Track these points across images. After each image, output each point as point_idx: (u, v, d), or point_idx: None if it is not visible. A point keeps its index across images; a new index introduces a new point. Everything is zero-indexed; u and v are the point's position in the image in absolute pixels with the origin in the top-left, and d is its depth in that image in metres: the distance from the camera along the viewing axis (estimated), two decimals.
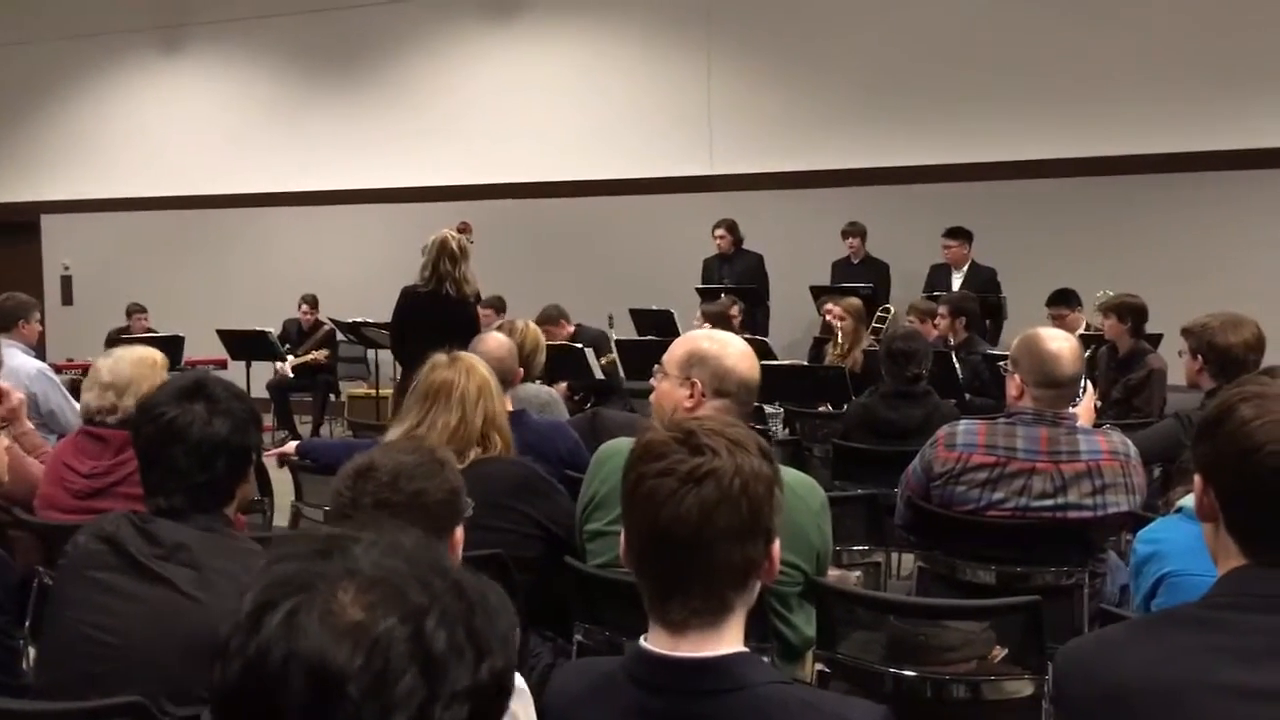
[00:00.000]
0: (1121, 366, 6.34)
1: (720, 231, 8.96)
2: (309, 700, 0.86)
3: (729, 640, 1.42)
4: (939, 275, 8.53)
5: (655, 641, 1.43)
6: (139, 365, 3.23)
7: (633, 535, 1.46)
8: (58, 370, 6.47)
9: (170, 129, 11.56)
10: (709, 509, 1.39)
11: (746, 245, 9.06)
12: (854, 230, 8.85)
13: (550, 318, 7.47)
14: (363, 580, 0.90)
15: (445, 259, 5.58)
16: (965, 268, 8.46)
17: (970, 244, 8.47)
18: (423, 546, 0.96)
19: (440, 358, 3.02)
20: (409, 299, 5.73)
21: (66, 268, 12.29)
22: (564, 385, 6.97)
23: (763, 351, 5.87)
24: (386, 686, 0.86)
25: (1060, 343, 3.17)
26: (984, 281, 8.29)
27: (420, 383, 3.00)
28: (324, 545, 0.93)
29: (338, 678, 0.85)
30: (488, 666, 0.90)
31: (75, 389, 6.45)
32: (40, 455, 3.56)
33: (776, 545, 1.47)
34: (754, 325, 8.32)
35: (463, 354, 3.06)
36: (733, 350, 2.59)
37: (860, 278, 8.61)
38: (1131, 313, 6.27)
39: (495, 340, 3.76)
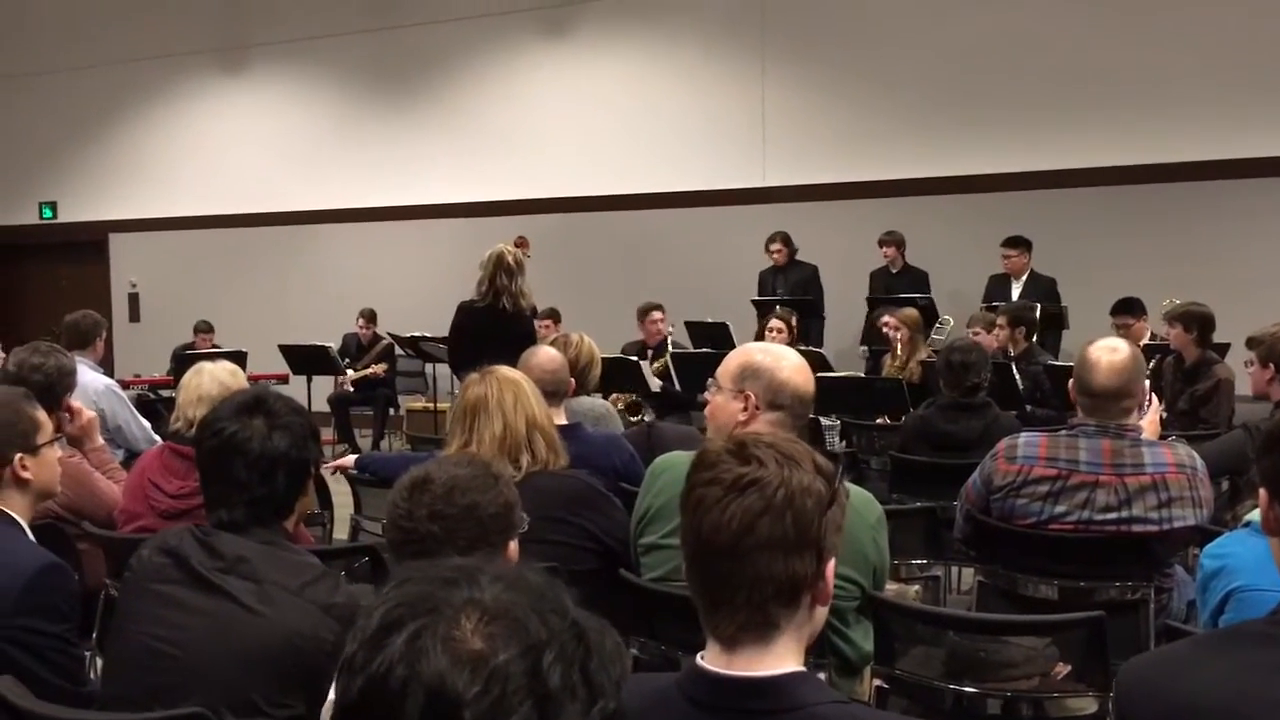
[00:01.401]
0: (1188, 377, 6.20)
1: (776, 245, 8.95)
2: None
3: (784, 660, 1.40)
4: (998, 285, 8.42)
5: (711, 659, 1.42)
6: (226, 382, 3.34)
7: (685, 545, 1.45)
8: (125, 386, 6.62)
9: (231, 148, 11.79)
10: (750, 518, 1.37)
11: (801, 257, 9.04)
12: (891, 239, 8.78)
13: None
14: (486, 610, 0.93)
15: (501, 273, 5.62)
16: (1024, 277, 8.35)
17: (1030, 253, 8.36)
18: (545, 584, 0.99)
19: (471, 376, 3.06)
20: (466, 314, 5.77)
21: (134, 285, 12.57)
22: (623, 397, 7.02)
23: (818, 363, 5.85)
24: (501, 717, 0.89)
25: (1103, 352, 3.09)
26: (1044, 291, 8.17)
27: (457, 404, 3.03)
28: (451, 573, 0.97)
29: (455, 703, 0.89)
30: (599, 709, 0.93)
31: (142, 405, 6.61)
32: (108, 471, 3.65)
33: (831, 565, 1.44)
34: (808, 337, 8.28)
35: (494, 368, 3.09)
36: (786, 363, 2.57)
37: (901, 287, 8.54)
38: (1198, 321, 6.13)
39: (546, 354, 3.78)
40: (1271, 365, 3.58)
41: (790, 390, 2.52)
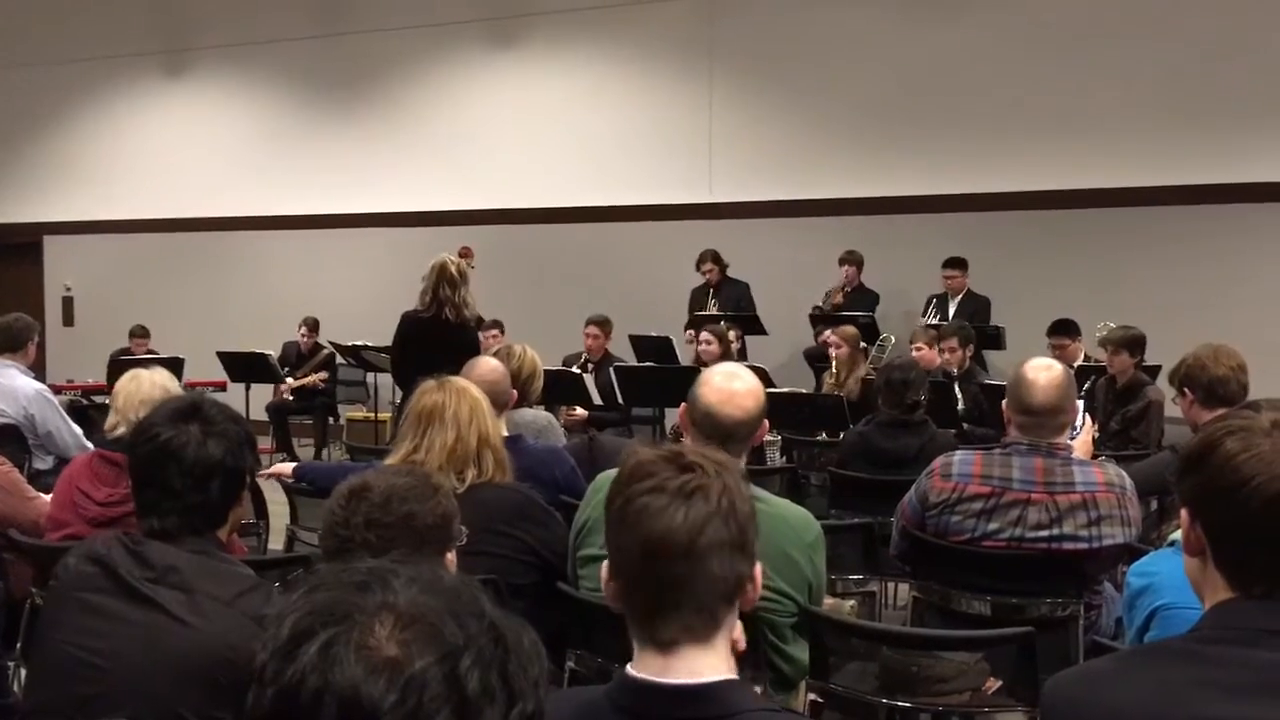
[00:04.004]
0: (1120, 398, 6.34)
1: (708, 265, 8.98)
2: None
3: (719, 662, 1.42)
4: (937, 304, 8.56)
5: (642, 667, 1.42)
6: (168, 386, 3.29)
7: (621, 555, 1.46)
8: (57, 391, 6.49)
9: (172, 152, 11.61)
10: (701, 522, 1.41)
11: (743, 273, 9.08)
12: (851, 259, 8.87)
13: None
14: (401, 616, 0.91)
15: (445, 284, 5.60)
16: (960, 296, 8.50)
17: (967, 273, 8.51)
18: (461, 585, 0.97)
19: (429, 383, 3.05)
20: (409, 324, 5.75)
21: (68, 288, 12.32)
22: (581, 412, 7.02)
23: (760, 379, 5.88)
24: None
25: (1039, 371, 3.16)
26: (978, 309, 8.32)
27: (411, 409, 3.02)
28: (363, 576, 0.94)
29: (371, 713, 0.86)
30: (519, 711, 0.92)
31: (74, 410, 6.48)
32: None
33: (758, 569, 1.48)
34: (743, 354, 8.34)
35: (451, 378, 3.09)
36: (710, 380, 2.62)
37: (850, 306, 8.64)
38: (1140, 346, 6.30)
39: (487, 365, 3.77)
40: (1188, 391, 3.67)
41: (701, 406, 2.56)
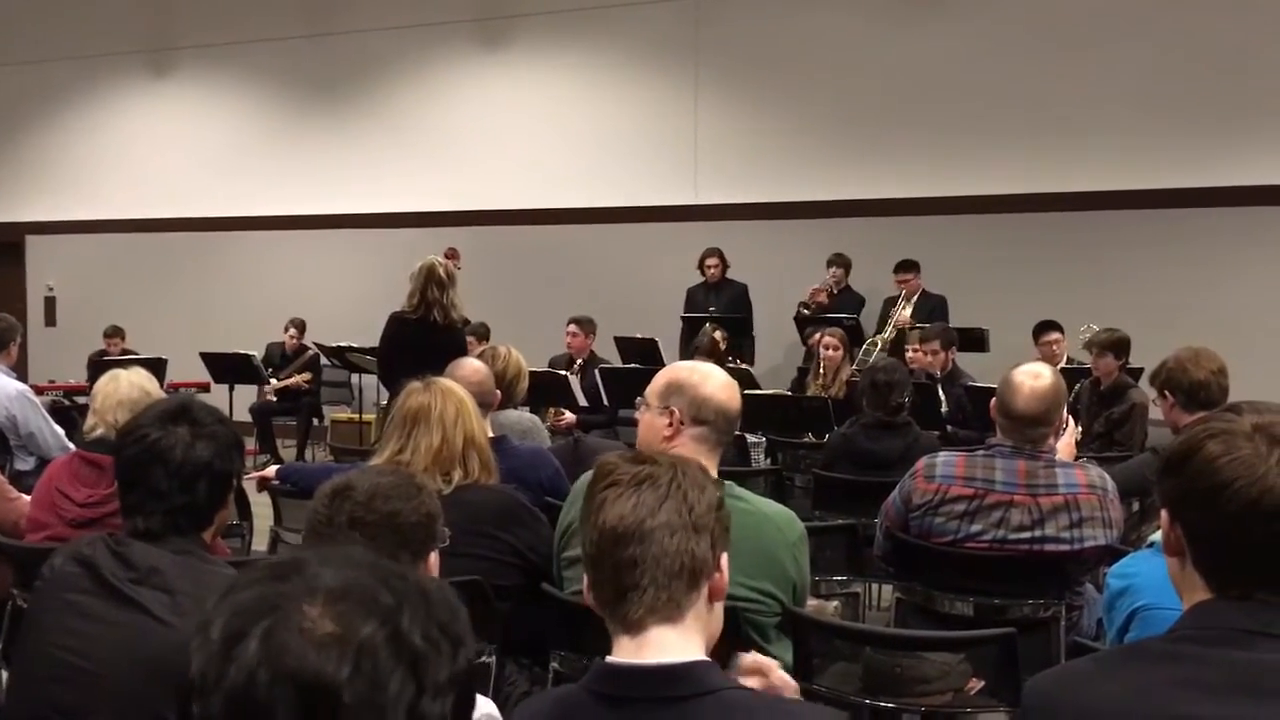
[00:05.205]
0: (1104, 400, 6.37)
1: (713, 260, 9.00)
2: (306, 716, 0.86)
3: (690, 645, 1.48)
4: (892, 305, 8.61)
5: (617, 654, 1.49)
6: (146, 387, 3.28)
7: (587, 544, 1.55)
8: (39, 392, 6.46)
9: (157, 152, 11.56)
10: (650, 504, 1.51)
11: (730, 275, 9.11)
12: (839, 261, 8.89)
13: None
14: (330, 593, 0.91)
15: (433, 285, 5.58)
16: (916, 297, 8.54)
17: (919, 274, 8.55)
18: (372, 555, 0.98)
19: (415, 384, 3.05)
20: (396, 325, 5.74)
21: (50, 289, 12.25)
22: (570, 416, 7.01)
23: (745, 380, 5.90)
24: (379, 689, 0.88)
25: (1027, 377, 3.16)
26: (933, 309, 8.38)
27: (398, 410, 3.01)
28: (278, 569, 0.94)
29: (331, 690, 0.87)
30: (464, 654, 0.94)
31: (56, 411, 6.45)
32: None
33: (725, 559, 1.55)
34: (741, 355, 8.36)
35: (437, 379, 3.09)
36: (711, 380, 2.61)
37: (836, 308, 8.66)
38: (1124, 348, 6.34)
39: (471, 366, 3.77)
40: (1169, 394, 3.69)
41: (713, 405, 2.56)
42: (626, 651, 1.48)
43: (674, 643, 1.47)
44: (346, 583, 0.92)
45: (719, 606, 1.56)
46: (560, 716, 1.49)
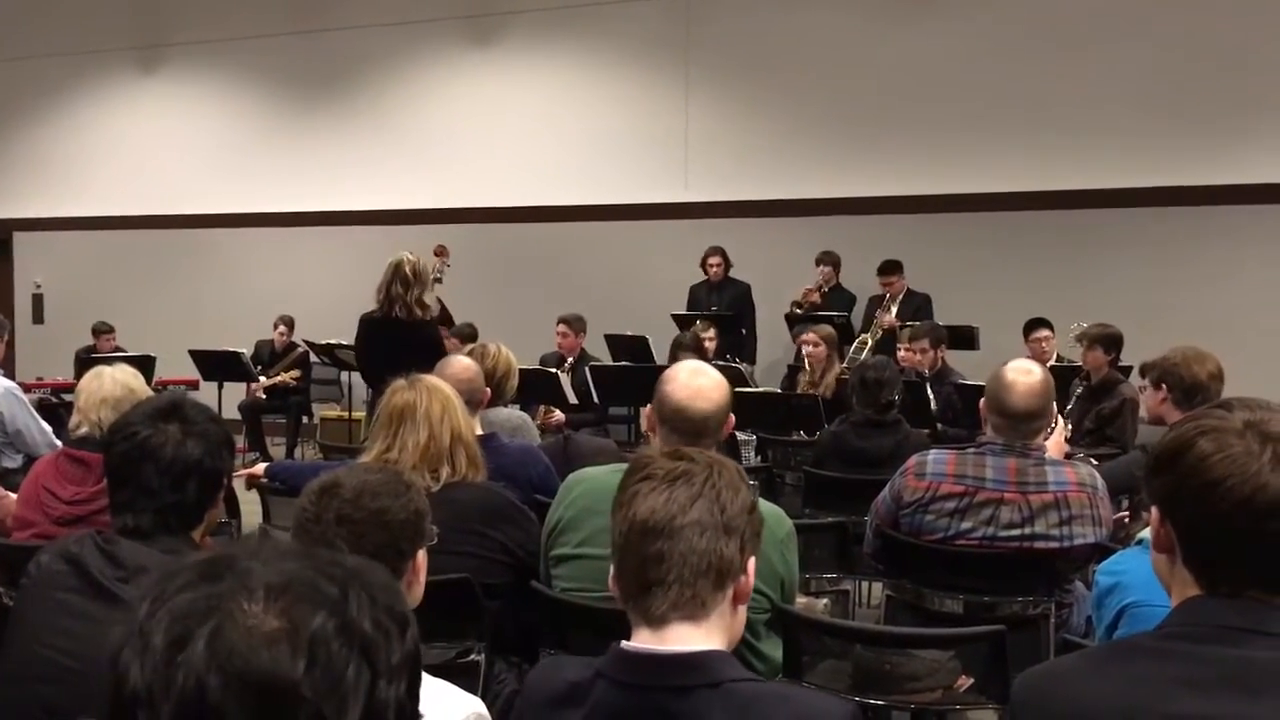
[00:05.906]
0: (1094, 395, 6.37)
1: (716, 259, 9.01)
2: (265, 715, 0.84)
3: (711, 644, 1.49)
4: (878, 305, 8.63)
5: (638, 641, 1.49)
6: (130, 384, 3.26)
7: (617, 536, 1.55)
8: (27, 389, 6.42)
9: (146, 148, 11.52)
10: (683, 501, 1.52)
11: (731, 274, 9.12)
12: (828, 259, 8.90)
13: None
14: (269, 589, 0.88)
15: (397, 282, 5.59)
16: (900, 297, 8.56)
17: (903, 274, 8.57)
18: (300, 546, 0.96)
19: (399, 382, 3.04)
20: (365, 326, 5.81)
21: (38, 286, 12.20)
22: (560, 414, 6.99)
23: (735, 378, 5.89)
24: (337, 680, 0.86)
25: (1018, 375, 3.17)
26: (918, 308, 8.40)
27: (383, 408, 3.00)
28: (206, 569, 0.91)
29: (288, 686, 0.84)
30: (411, 634, 0.93)
31: (45, 408, 6.42)
32: None
33: (752, 563, 1.55)
34: (741, 353, 8.36)
35: (422, 376, 3.08)
36: (675, 379, 2.65)
37: (827, 306, 8.67)
38: (1116, 343, 6.35)
39: (460, 364, 3.77)
40: (1164, 387, 3.70)
41: (670, 404, 2.60)
42: (645, 639, 1.49)
43: (694, 640, 1.48)
44: (285, 576, 0.89)
45: (742, 610, 1.57)
46: (571, 698, 1.50)
